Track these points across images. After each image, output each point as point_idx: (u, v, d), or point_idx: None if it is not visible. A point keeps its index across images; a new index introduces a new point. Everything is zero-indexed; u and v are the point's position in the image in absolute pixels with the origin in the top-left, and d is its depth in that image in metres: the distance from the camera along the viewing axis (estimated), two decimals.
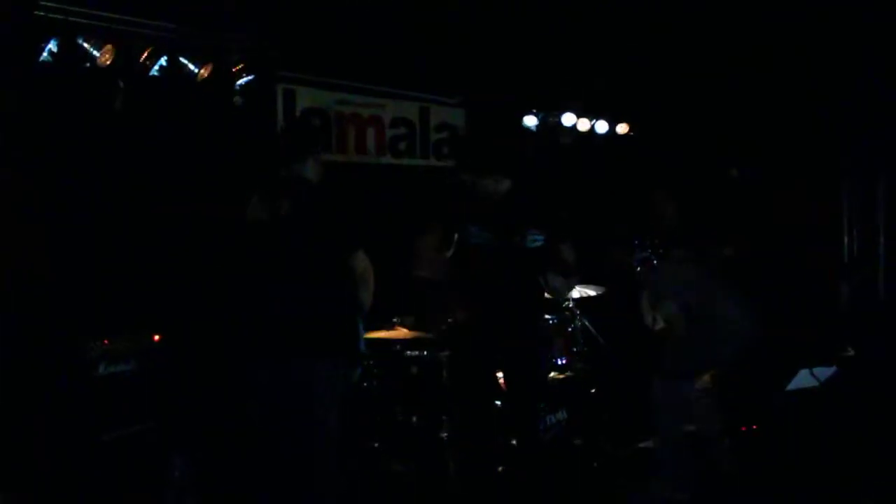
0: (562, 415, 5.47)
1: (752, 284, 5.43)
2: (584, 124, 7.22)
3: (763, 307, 6.22)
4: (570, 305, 6.11)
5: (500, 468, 4.59)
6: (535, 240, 4.26)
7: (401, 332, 5.19)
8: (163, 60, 4.75)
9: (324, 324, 3.76)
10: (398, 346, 5.17)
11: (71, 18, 4.35)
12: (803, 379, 4.84)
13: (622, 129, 7.50)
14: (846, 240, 7.02)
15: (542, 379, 4.94)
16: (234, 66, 5.10)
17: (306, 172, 3.91)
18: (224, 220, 4.02)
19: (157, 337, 4.46)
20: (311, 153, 3.96)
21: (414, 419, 5.05)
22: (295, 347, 3.76)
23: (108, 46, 4.48)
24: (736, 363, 4.84)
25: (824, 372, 4.88)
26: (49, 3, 4.26)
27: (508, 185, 4.26)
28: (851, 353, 5.13)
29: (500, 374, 4.39)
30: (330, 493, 3.80)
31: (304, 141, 4.04)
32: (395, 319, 5.26)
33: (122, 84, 4.68)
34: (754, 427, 5.36)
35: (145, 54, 4.68)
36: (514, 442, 4.57)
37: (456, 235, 4.16)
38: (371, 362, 5.02)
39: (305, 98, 5.82)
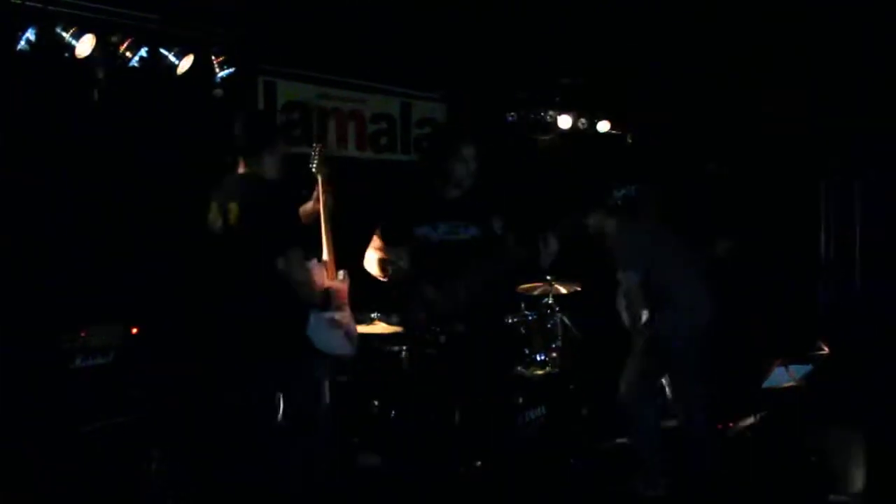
0: (540, 411, 5.49)
1: (729, 281, 5.47)
2: (565, 121, 7.24)
3: (740, 304, 6.29)
4: (549, 301, 6.13)
5: (477, 463, 4.60)
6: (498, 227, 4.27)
7: (379, 328, 5.18)
8: (143, 51, 4.71)
9: (265, 325, 3.74)
10: (377, 342, 5.17)
11: (49, 7, 4.30)
12: (779, 376, 4.88)
13: (603, 126, 7.52)
14: (823, 238, 7.10)
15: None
16: (215, 58, 5.07)
17: (262, 169, 3.85)
18: (199, 215, 3.97)
19: (134, 329, 4.43)
20: (266, 149, 3.86)
21: (392, 413, 5.06)
22: (244, 349, 3.78)
23: (88, 36, 4.43)
24: (700, 357, 4.89)
25: (800, 369, 4.93)
26: None
27: (474, 166, 4.21)
28: (826, 351, 5.18)
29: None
30: (289, 485, 3.80)
31: (257, 136, 3.91)
32: (373, 315, 5.25)
33: (101, 75, 4.62)
34: (731, 424, 5.41)
35: (125, 45, 4.63)
36: (491, 437, 4.58)
37: (414, 232, 4.12)
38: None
39: (286, 91, 5.80)
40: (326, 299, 3.92)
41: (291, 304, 3.74)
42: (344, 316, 4.12)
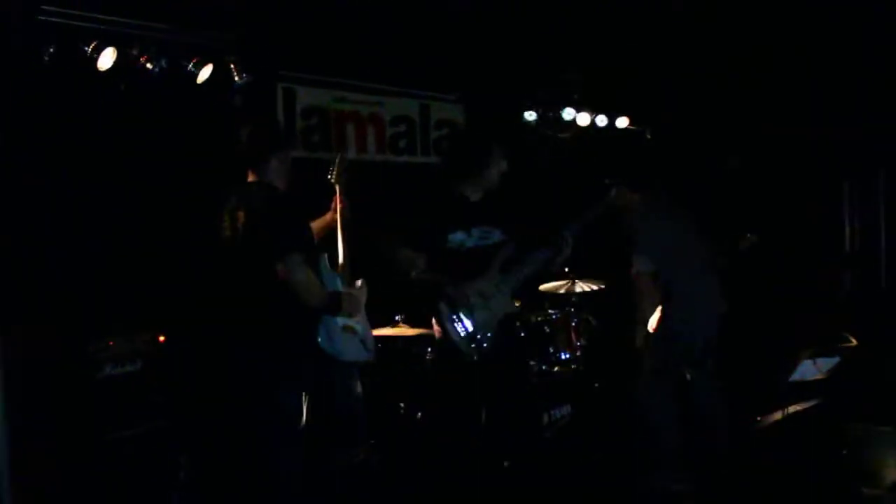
0: (566, 409, 5.50)
1: (755, 276, 5.44)
2: (584, 118, 7.22)
3: (766, 298, 6.25)
4: (573, 299, 6.13)
5: (505, 463, 4.62)
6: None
7: (404, 330, 5.21)
8: (163, 62, 4.75)
9: (268, 330, 3.76)
10: (401, 344, 5.20)
11: (72, 23, 4.36)
12: (806, 370, 4.85)
13: (622, 122, 7.50)
14: (847, 230, 7.06)
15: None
16: (234, 67, 5.10)
17: (268, 176, 3.85)
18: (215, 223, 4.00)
19: (162, 337, 4.47)
20: (272, 155, 3.85)
21: (418, 415, 5.08)
22: (247, 353, 3.79)
23: (109, 50, 4.48)
24: (716, 353, 4.88)
25: (827, 362, 4.90)
26: (51, 8, 4.26)
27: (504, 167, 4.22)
28: (853, 342, 5.15)
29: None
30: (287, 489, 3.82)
31: (261, 145, 3.89)
32: (397, 317, 5.27)
33: (123, 87, 4.67)
34: (757, 418, 5.39)
35: (145, 57, 4.68)
36: (517, 437, 4.59)
37: (449, 238, 4.13)
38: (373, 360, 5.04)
39: (305, 97, 5.82)
40: (338, 305, 3.91)
41: (293, 308, 3.74)
42: (359, 322, 4.14)
